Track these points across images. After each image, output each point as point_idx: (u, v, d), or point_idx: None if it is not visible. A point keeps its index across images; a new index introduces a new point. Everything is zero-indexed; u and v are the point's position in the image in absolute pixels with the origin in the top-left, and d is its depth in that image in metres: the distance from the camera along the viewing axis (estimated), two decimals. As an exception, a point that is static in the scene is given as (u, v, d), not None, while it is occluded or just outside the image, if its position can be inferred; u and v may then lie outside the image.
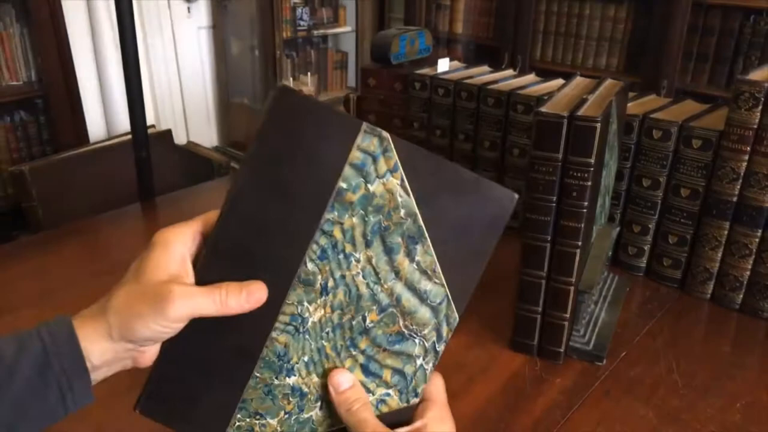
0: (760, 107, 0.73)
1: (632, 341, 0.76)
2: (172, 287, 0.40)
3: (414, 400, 0.47)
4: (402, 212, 0.44)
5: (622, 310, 0.81)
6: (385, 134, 0.43)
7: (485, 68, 1.09)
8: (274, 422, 0.46)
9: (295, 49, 2.61)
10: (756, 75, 0.75)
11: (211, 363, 0.44)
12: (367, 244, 0.44)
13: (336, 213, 0.43)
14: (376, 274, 0.44)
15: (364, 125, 0.42)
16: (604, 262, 0.75)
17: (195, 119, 2.67)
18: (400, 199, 0.43)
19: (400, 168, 0.43)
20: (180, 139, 2.47)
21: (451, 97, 1.00)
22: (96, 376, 0.42)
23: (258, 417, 0.46)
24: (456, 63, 1.12)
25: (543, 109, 0.64)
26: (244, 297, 0.42)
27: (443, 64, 1.07)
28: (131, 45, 1.00)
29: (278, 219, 0.43)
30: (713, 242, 0.81)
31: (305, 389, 0.45)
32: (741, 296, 0.81)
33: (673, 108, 0.87)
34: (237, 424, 0.45)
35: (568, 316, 0.69)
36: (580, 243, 0.66)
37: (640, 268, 0.89)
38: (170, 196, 1.18)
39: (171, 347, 0.43)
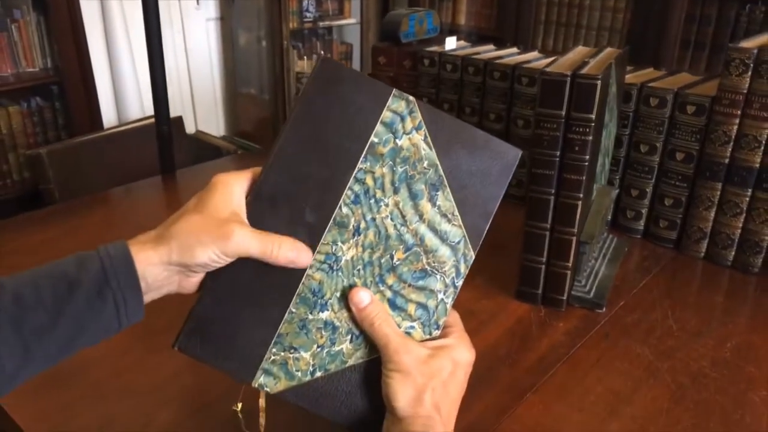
0: (749, 73, 0.78)
1: (630, 293, 0.81)
2: (233, 226, 0.45)
3: (436, 332, 0.52)
4: (425, 163, 0.50)
5: (620, 267, 0.86)
6: (411, 98, 0.50)
7: (491, 46, 1.14)
8: (307, 355, 0.50)
9: (302, 40, 2.67)
10: (747, 44, 0.80)
11: (250, 299, 0.49)
12: (395, 191, 0.50)
13: (368, 163, 0.49)
14: (403, 216, 0.50)
15: (394, 90, 0.50)
16: (603, 217, 0.80)
17: (203, 109, 2.72)
18: (423, 152, 0.50)
19: (424, 126, 0.50)
20: (189, 128, 2.52)
21: (458, 72, 1.05)
22: (147, 298, 0.46)
23: (292, 351, 0.50)
24: (462, 42, 1.17)
25: (548, 69, 0.69)
26: (294, 255, 0.47)
27: (451, 42, 1.13)
28: (154, 21, 1.05)
29: (318, 169, 0.49)
30: (707, 203, 0.86)
31: (337, 323, 0.50)
32: (733, 253, 0.86)
33: (670, 79, 0.92)
34: (272, 358, 0.49)
35: (570, 265, 0.75)
36: (581, 195, 0.71)
37: (638, 231, 0.95)
38: (189, 169, 1.23)
39: (213, 284, 0.48)
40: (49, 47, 2.03)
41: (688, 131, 0.86)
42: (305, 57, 2.60)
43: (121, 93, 2.28)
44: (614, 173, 0.94)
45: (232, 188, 0.48)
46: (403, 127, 0.50)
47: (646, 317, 0.76)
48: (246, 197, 0.48)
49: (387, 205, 0.50)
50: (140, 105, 2.33)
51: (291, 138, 0.49)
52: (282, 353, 0.50)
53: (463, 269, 0.52)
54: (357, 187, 0.49)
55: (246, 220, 0.47)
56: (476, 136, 0.52)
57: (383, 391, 0.49)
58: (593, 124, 0.68)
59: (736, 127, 0.81)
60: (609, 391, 0.64)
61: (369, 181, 0.50)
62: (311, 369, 0.51)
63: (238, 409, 0.50)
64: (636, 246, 0.93)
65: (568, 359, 0.69)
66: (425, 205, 0.51)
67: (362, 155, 0.49)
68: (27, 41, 1.99)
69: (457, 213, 0.51)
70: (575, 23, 2.22)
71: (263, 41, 2.62)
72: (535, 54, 1.08)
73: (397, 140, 0.50)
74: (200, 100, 2.69)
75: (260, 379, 0.49)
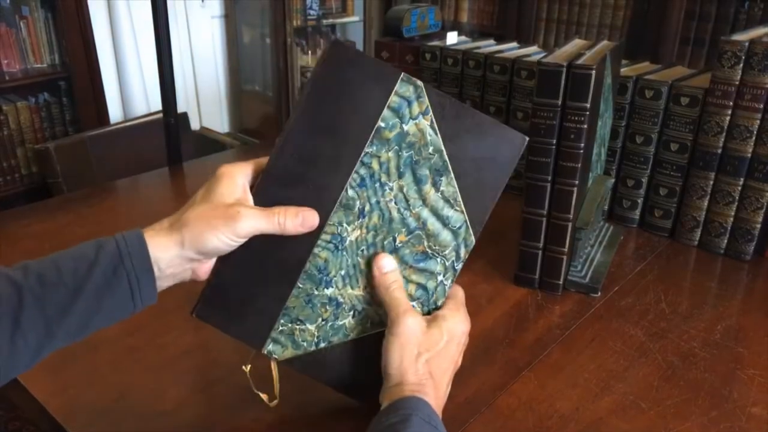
0: (741, 65, 0.81)
1: (625, 278, 0.83)
2: (240, 208, 0.48)
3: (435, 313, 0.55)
4: (430, 149, 0.52)
5: (616, 254, 0.88)
6: (420, 83, 0.51)
7: (491, 41, 1.17)
8: (312, 327, 0.53)
9: (305, 38, 2.69)
10: (739, 36, 0.83)
11: (261, 274, 0.52)
12: (400, 175, 0.52)
13: (375, 148, 0.51)
14: (407, 201, 0.52)
15: (403, 75, 0.50)
16: (599, 205, 0.82)
17: (208, 106, 2.75)
18: (429, 138, 0.51)
19: (431, 111, 0.51)
20: (193, 125, 2.55)
21: (459, 66, 1.08)
22: (161, 284, 0.49)
23: (298, 323, 0.53)
24: (464, 37, 1.20)
25: (545, 60, 0.71)
26: (299, 221, 0.50)
27: (452, 37, 1.15)
28: (162, 15, 1.08)
29: (325, 152, 0.51)
30: (700, 192, 0.88)
31: (341, 299, 0.53)
32: (726, 241, 0.89)
33: (665, 72, 0.95)
34: (280, 328, 0.53)
35: (566, 250, 0.77)
36: (577, 182, 0.74)
37: (634, 220, 0.97)
38: (195, 161, 1.26)
39: (227, 261, 0.51)
40: (56, 43, 2.06)
41: (682, 122, 0.88)
42: (309, 52, 2.62)
43: (127, 89, 2.31)
44: (611, 164, 0.96)
45: (236, 178, 0.50)
46: (410, 112, 0.51)
47: (640, 301, 0.78)
48: (251, 186, 0.51)
49: (392, 189, 0.52)
50: (146, 101, 2.36)
51: (300, 121, 0.50)
52: (289, 324, 0.53)
53: (463, 253, 0.54)
54: (363, 171, 0.51)
55: (252, 204, 0.50)
56: (483, 122, 0.53)
57: (382, 356, 0.51)
58: (588, 113, 0.71)
59: (728, 118, 0.84)
60: (602, 369, 0.66)
61: (375, 165, 0.51)
62: (316, 340, 0.53)
63: (247, 370, 0.53)
64: (631, 235, 0.95)
65: (563, 340, 0.71)
66: (429, 190, 0.52)
67: (369, 139, 0.51)
68: (35, 37, 2.02)
69: (459, 199, 0.53)
70: (576, 21, 2.24)
71: (267, 39, 2.64)
72: (534, 48, 1.11)
73: (403, 125, 0.51)
74: (205, 98, 2.72)
75: (269, 347, 0.52)
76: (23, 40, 2.01)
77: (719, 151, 0.85)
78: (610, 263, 0.85)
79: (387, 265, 0.52)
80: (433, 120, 0.51)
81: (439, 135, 0.51)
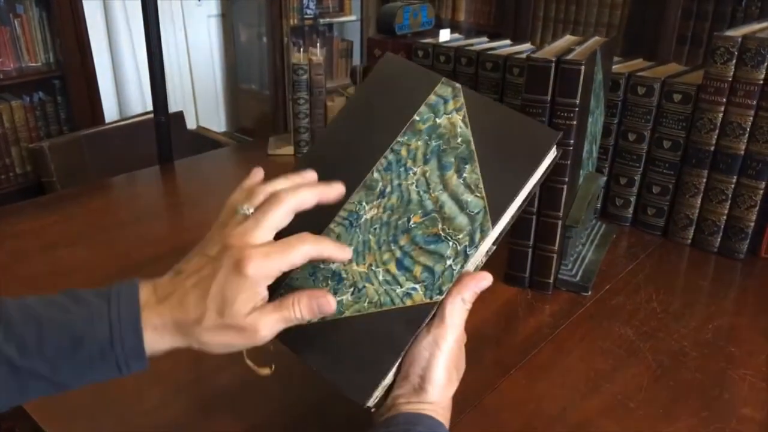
0: (734, 61, 0.80)
1: (616, 277, 0.82)
2: (257, 320, 0.44)
3: (437, 298, 0.53)
4: (459, 139, 0.54)
5: (607, 253, 0.87)
6: (458, 85, 0.56)
7: (484, 38, 1.16)
8: None
9: (302, 37, 2.69)
10: (732, 32, 0.82)
11: None
12: (425, 162, 0.54)
13: (406, 137, 0.55)
14: (428, 184, 0.54)
15: (443, 78, 0.56)
16: (590, 203, 0.81)
17: (204, 105, 2.75)
18: (459, 130, 0.54)
19: (464, 108, 0.55)
20: (190, 124, 2.54)
21: (451, 63, 1.07)
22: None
23: None
24: (456, 35, 1.19)
25: (534, 55, 0.70)
26: (315, 307, 0.47)
27: (444, 35, 1.14)
28: (153, 13, 1.07)
29: (360, 140, 0.56)
30: (693, 190, 0.87)
31: (343, 275, 0.52)
32: (719, 239, 0.88)
33: (658, 69, 0.94)
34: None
35: (556, 248, 0.76)
36: (566, 179, 0.73)
37: (627, 219, 0.96)
38: (187, 160, 1.25)
39: None
40: (51, 42, 2.05)
41: (674, 119, 0.87)
42: (301, 50, 2.61)
43: (123, 87, 2.31)
44: (603, 162, 0.95)
45: (259, 285, 0.44)
46: (444, 108, 0.55)
47: (631, 300, 0.77)
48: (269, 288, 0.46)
49: (415, 174, 0.54)
50: (142, 99, 2.35)
51: (343, 115, 0.57)
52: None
53: (478, 239, 0.52)
54: (391, 156, 0.54)
55: (266, 299, 0.45)
56: (513, 117, 0.55)
57: (420, 365, 0.48)
58: (577, 109, 0.70)
59: (721, 115, 0.83)
60: (591, 369, 0.65)
61: (403, 151, 0.55)
62: None
63: None
64: (624, 233, 0.94)
65: (552, 339, 0.70)
66: (452, 176, 0.54)
67: (402, 131, 0.55)
68: (29, 36, 2.02)
69: (481, 185, 0.53)
70: (573, 19, 2.23)
71: (264, 38, 2.64)
72: (527, 45, 1.10)
73: (437, 119, 0.55)
74: (201, 97, 2.72)
75: None
76: (17, 39, 2.00)
77: (712, 148, 0.84)
78: (601, 262, 0.84)
79: (484, 282, 0.51)
80: (466, 115, 0.55)
81: (469, 128, 0.54)
